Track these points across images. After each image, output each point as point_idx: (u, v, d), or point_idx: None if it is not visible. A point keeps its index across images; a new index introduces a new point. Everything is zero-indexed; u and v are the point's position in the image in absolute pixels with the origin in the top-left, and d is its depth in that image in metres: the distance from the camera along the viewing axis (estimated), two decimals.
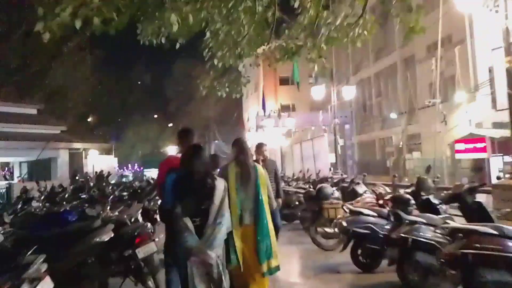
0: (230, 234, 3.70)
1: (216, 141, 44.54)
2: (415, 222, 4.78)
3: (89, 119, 57.41)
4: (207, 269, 3.33)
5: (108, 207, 5.70)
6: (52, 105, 24.26)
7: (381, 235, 5.35)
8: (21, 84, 23.13)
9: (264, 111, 28.72)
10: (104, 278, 4.56)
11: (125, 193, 10.75)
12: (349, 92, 17.39)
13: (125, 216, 5.55)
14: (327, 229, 6.76)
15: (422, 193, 5.53)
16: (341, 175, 10.77)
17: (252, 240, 3.91)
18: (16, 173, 23.43)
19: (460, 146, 18.49)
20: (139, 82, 58.48)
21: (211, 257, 3.28)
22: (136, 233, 4.71)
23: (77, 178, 20.44)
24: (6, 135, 18.51)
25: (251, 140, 35.11)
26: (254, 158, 6.77)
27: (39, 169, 21.05)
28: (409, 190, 6.14)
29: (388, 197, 6.35)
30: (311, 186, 10.96)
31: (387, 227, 5.32)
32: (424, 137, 22.89)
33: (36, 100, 22.93)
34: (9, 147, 18.74)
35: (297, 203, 8.69)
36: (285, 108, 35.10)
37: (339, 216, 6.03)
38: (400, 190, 7.44)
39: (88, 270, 4.37)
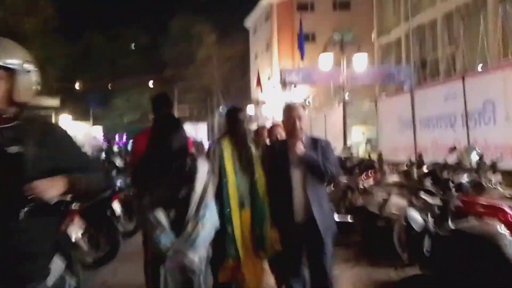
0: (228, 223, 3.17)
1: (221, 107, 36.49)
2: None
3: (76, 85, 49.54)
4: (185, 277, 2.49)
5: None
6: None
7: None
8: None
9: (302, 53, 19.58)
10: None
11: None
12: None
13: None
14: None
15: None
16: None
17: (250, 225, 3.37)
18: None
19: None
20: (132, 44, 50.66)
21: (192, 261, 2.45)
22: None
23: None
24: None
25: (270, 106, 28.29)
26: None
27: None
28: None
29: None
30: None
31: None
32: None
33: None
34: None
35: None
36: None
37: None
38: None
39: None
